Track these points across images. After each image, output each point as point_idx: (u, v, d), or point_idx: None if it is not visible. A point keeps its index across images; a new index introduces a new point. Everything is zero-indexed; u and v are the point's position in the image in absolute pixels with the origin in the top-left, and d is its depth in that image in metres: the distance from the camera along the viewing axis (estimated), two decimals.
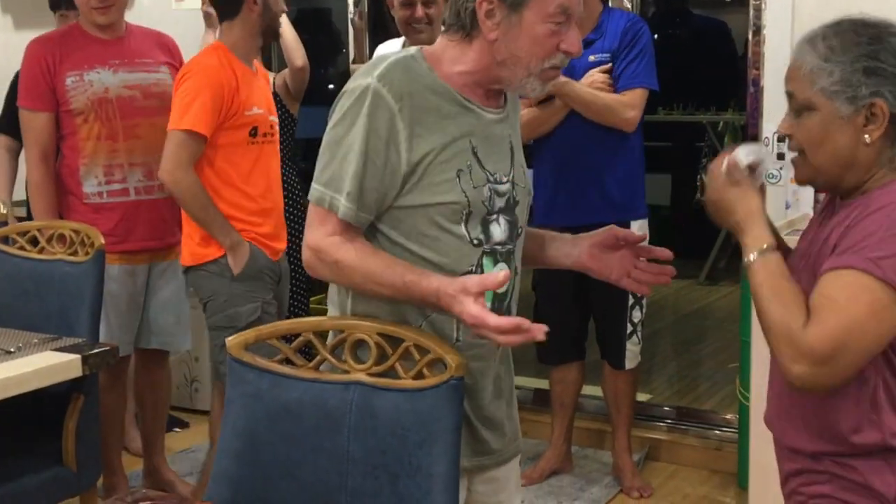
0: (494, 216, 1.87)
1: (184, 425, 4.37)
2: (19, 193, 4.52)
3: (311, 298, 4.75)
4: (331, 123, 1.85)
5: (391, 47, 3.71)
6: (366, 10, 4.64)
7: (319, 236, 1.82)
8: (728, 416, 4.11)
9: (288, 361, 1.89)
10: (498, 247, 1.88)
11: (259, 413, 1.88)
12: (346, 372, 1.84)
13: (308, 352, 1.89)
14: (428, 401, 1.76)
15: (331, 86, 5.87)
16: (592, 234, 2.03)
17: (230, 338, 1.92)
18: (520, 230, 1.93)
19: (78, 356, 2.53)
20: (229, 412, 1.91)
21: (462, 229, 1.83)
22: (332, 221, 1.81)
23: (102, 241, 2.92)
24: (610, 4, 3.84)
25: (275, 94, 4.35)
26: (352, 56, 4.70)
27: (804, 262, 1.78)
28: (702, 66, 6.85)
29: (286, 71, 4.33)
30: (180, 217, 3.32)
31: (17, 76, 3.95)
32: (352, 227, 1.81)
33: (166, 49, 3.54)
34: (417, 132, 1.80)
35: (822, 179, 1.77)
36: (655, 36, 3.83)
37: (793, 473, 1.81)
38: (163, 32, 3.64)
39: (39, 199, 3.34)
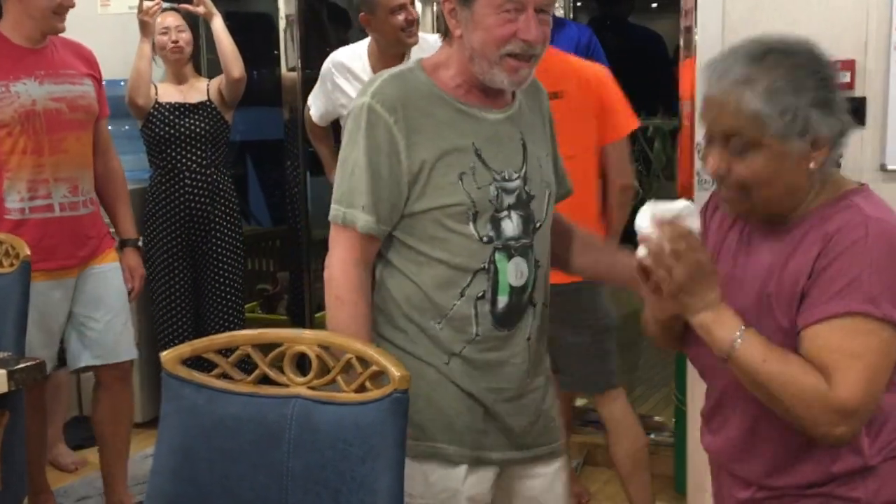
0: (505, 213, 1.95)
1: None
2: None
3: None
4: (341, 146, 1.97)
5: (347, 55, 3.62)
6: (295, 18, 4.58)
7: (335, 261, 1.96)
8: (663, 420, 4.14)
9: (225, 376, 1.84)
10: (511, 242, 1.97)
11: (195, 429, 1.82)
12: (286, 385, 1.80)
13: (247, 366, 1.84)
14: (370, 415, 1.71)
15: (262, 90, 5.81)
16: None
17: (165, 352, 1.86)
18: (538, 224, 2.01)
19: (3, 371, 2.44)
20: (164, 428, 1.85)
21: (470, 228, 1.93)
22: (352, 237, 1.94)
23: (28, 252, 2.83)
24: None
25: (209, 101, 4.30)
26: (286, 64, 4.64)
27: (738, 287, 1.74)
28: (631, 72, 6.91)
29: (221, 79, 4.28)
30: (102, 230, 3.36)
31: None
32: (372, 240, 1.93)
33: (86, 61, 3.41)
34: (415, 140, 1.89)
35: (764, 212, 1.73)
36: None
37: (746, 501, 1.80)
38: (81, 43, 3.49)
39: None
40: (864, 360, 1.59)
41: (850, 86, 3.35)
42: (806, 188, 1.70)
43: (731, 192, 1.72)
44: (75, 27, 3.63)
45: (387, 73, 1.98)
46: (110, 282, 3.38)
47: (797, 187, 1.69)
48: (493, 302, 1.98)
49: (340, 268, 1.96)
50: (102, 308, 3.36)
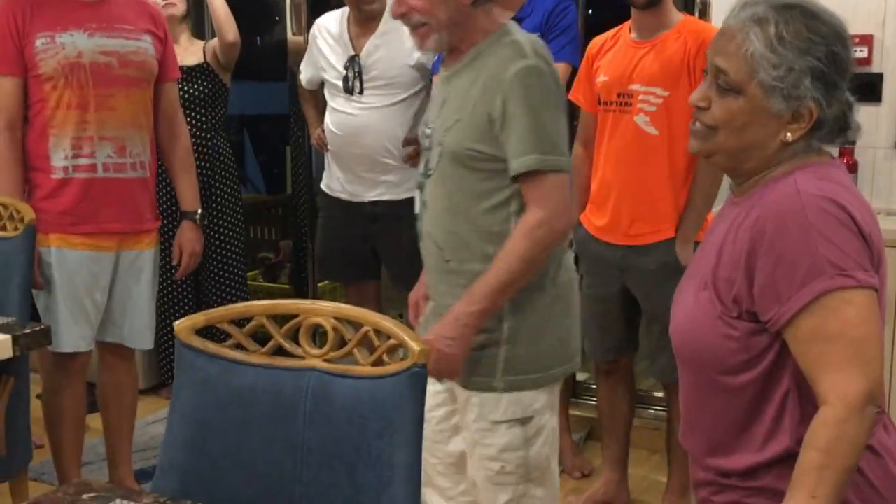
0: (425, 152, 2.35)
1: None
2: None
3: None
4: (533, 103, 2.14)
5: (330, 19, 3.68)
6: None
7: (563, 207, 2.21)
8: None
9: (240, 347, 1.81)
10: (420, 177, 2.36)
11: (209, 400, 1.79)
12: (302, 357, 1.77)
13: (262, 337, 1.81)
14: (388, 388, 1.68)
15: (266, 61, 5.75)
16: None
17: (178, 322, 1.83)
18: (430, 170, 2.30)
19: (8, 336, 2.41)
20: (177, 399, 1.82)
21: None
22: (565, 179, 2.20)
23: (33, 215, 2.79)
24: None
25: (206, 64, 4.24)
26: (291, 29, 4.59)
27: (703, 253, 1.76)
28: None
29: (215, 42, 4.23)
30: (150, 200, 3.17)
31: None
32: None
33: (150, 17, 3.20)
34: None
35: (721, 159, 1.71)
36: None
37: (702, 483, 1.79)
38: (148, 0, 3.33)
39: (5, 172, 2.99)
40: (844, 339, 1.55)
41: (868, 62, 3.31)
42: (768, 156, 1.67)
43: (700, 127, 1.70)
44: None
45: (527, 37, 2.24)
46: (143, 273, 3.22)
47: (758, 148, 1.66)
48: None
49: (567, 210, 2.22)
50: (130, 301, 3.21)
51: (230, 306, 1.83)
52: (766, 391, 1.67)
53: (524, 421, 2.29)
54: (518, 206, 2.21)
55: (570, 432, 3.75)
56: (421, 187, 2.34)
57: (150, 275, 3.23)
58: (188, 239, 3.36)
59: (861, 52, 3.27)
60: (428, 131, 2.32)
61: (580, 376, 4.20)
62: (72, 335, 3.07)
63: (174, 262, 3.38)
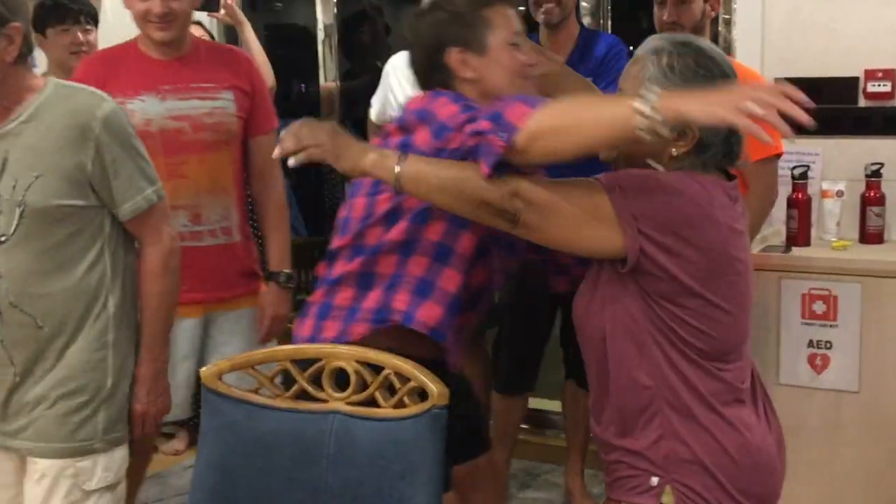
0: None
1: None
2: None
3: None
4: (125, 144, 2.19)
5: (405, 58, 3.67)
6: (334, 29, 4.61)
7: None
8: None
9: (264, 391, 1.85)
10: None
11: (234, 445, 1.83)
12: (325, 401, 1.80)
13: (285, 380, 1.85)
14: (409, 430, 1.71)
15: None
16: None
17: (205, 368, 1.87)
18: (2, 237, 2.08)
19: None
20: (203, 444, 1.86)
21: None
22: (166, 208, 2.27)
23: None
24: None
25: None
26: (324, 76, 4.67)
27: None
28: None
29: None
30: (239, 266, 2.94)
31: None
32: None
33: (235, 69, 2.94)
34: None
35: (622, 165, 1.87)
36: None
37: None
38: (235, 48, 3.17)
39: None
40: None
41: (890, 96, 3.31)
42: (663, 166, 1.84)
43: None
44: (117, 36, 3.66)
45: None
46: (235, 336, 2.94)
47: (653, 158, 1.84)
48: None
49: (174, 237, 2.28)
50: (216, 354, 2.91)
51: (254, 352, 1.88)
52: None
53: (115, 486, 2.20)
54: (110, 257, 2.17)
55: (582, 475, 3.67)
56: None
57: (244, 336, 2.96)
58: (270, 302, 3.01)
59: (884, 87, 3.27)
60: None
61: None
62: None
63: (259, 325, 3.02)
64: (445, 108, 1.88)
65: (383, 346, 1.85)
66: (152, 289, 2.21)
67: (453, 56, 2.01)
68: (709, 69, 1.82)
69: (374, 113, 3.94)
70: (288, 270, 3.03)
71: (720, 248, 1.79)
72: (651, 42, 1.88)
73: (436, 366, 1.85)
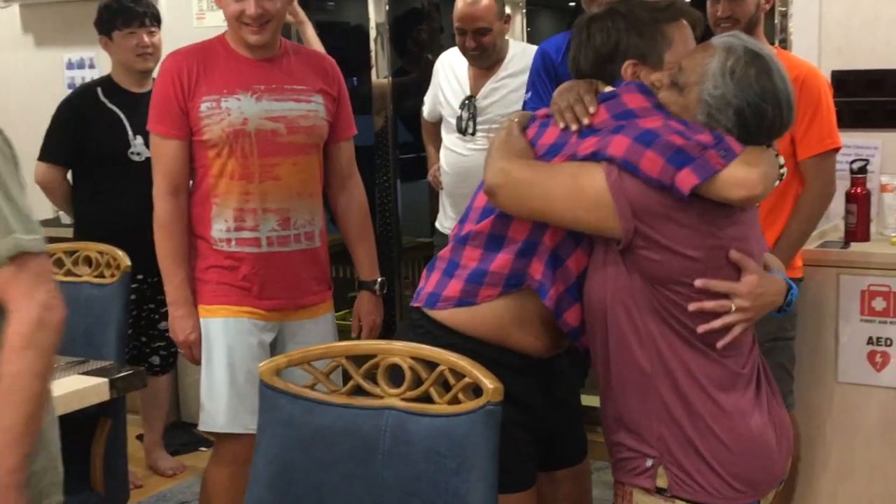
0: None
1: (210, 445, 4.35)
2: (44, 213, 4.53)
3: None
4: None
5: (455, 55, 3.78)
6: (386, 26, 4.63)
7: None
8: None
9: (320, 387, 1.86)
10: None
11: (292, 440, 1.85)
12: (380, 397, 1.81)
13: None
14: (464, 426, 1.72)
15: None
16: None
17: (262, 363, 1.89)
18: None
19: (105, 380, 2.51)
20: (261, 439, 1.88)
21: None
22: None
23: (129, 262, 2.88)
24: None
25: None
26: (377, 73, 4.69)
27: None
28: None
29: None
30: (318, 272, 2.91)
31: (64, 101, 3.88)
32: None
33: (324, 74, 2.91)
34: None
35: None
36: None
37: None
38: (322, 53, 3.18)
39: (167, 239, 2.77)
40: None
41: None
42: None
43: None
44: (171, 41, 3.72)
45: None
46: (315, 337, 2.87)
47: None
48: None
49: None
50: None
51: (310, 348, 1.89)
52: None
53: None
54: None
55: None
56: None
57: (318, 340, 2.85)
58: (367, 311, 3.02)
59: None
60: None
61: None
62: (236, 415, 2.77)
63: (353, 334, 3.02)
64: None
65: (490, 323, 1.94)
66: (6, 368, 1.60)
67: (627, 68, 1.98)
68: (763, 91, 1.83)
69: (426, 111, 3.97)
70: (381, 278, 3.05)
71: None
72: (728, 37, 1.89)
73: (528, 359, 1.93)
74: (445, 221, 3.83)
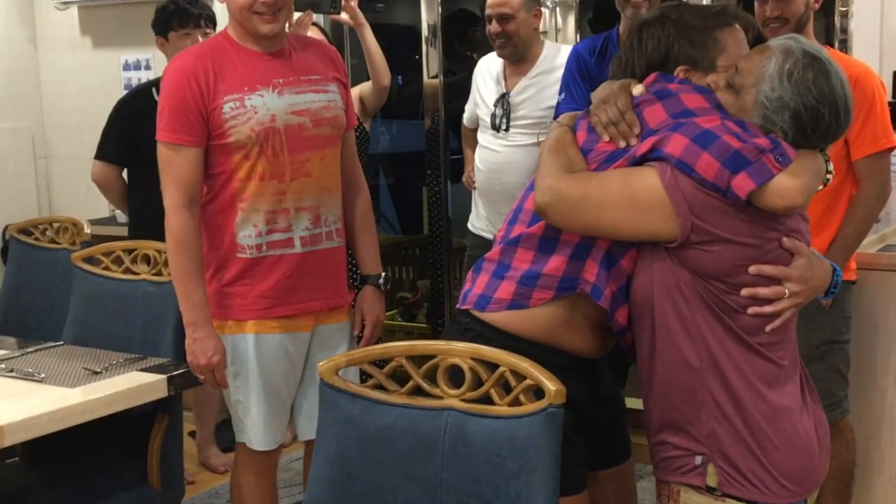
0: None
1: None
2: (100, 212, 4.59)
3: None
4: None
5: (491, 58, 3.83)
6: (438, 25, 4.64)
7: None
8: None
9: (379, 387, 1.86)
10: None
11: (351, 439, 1.85)
12: (440, 398, 1.81)
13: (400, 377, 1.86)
14: (525, 429, 1.71)
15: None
16: None
17: (322, 363, 1.89)
18: None
19: (163, 376, 2.54)
20: (321, 438, 1.88)
21: None
22: None
23: None
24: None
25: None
26: (428, 72, 4.70)
27: None
28: None
29: (361, 88, 4.32)
30: (344, 273, 2.80)
31: (120, 101, 3.93)
32: None
33: (331, 61, 2.78)
34: None
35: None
36: None
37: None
38: (323, 41, 3.09)
39: (185, 255, 2.56)
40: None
41: None
42: None
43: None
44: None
45: None
46: (338, 352, 2.73)
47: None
48: None
49: None
50: (314, 382, 2.47)
51: (370, 348, 1.89)
52: None
53: None
54: None
55: None
56: None
57: (346, 350, 2.79)
58: (371, 307, 2.85)
59: None
60: None
61: None
62: (269, 432, 2.69)
63: (355, 331, 2.87)
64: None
65: (542, 325, 1.94)
66: None
67: (679, 74, 1.98)
68: (821, 94, 1.83)
69: (466, 117, 3.99)
70: (383, 272, 2.92)
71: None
72: (786, 40, 1.89)
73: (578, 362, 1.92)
74: (477, 221, 3.85)
